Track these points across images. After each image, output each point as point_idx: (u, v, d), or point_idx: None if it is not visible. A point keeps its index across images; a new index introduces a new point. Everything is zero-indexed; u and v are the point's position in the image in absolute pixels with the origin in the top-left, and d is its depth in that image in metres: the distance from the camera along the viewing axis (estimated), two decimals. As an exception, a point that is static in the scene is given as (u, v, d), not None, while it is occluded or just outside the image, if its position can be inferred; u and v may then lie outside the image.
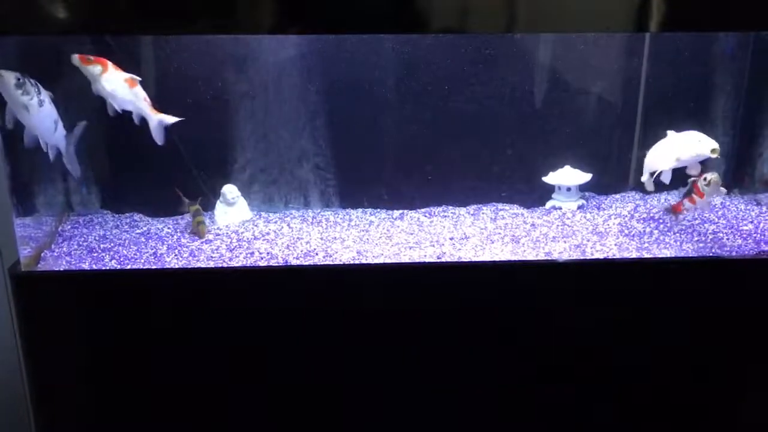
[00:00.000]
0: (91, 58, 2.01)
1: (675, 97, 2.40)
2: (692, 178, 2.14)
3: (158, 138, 2.10)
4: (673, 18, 1.80)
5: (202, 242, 2.16)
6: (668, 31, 2.17)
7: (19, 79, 1.91)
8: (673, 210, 2.25)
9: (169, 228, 2.27)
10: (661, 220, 2.27)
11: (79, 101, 2.18)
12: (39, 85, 1.99)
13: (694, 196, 2.16)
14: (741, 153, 2.48)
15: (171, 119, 2.10)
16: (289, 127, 2.36)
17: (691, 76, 2.40)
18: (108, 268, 2.02)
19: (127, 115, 2.09)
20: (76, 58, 2.01)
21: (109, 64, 2.03)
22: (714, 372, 2.09)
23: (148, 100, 2.09)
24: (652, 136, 2.41)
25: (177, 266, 2.03)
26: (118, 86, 2.04)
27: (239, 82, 2.29)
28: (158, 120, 2.09)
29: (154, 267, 2.03)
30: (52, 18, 1.70)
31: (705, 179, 2.10)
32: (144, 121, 2.11)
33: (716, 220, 2.26)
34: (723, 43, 2.38)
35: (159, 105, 2.21)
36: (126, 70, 2.10)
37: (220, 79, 2.28)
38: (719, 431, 2.17)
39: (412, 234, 2.23)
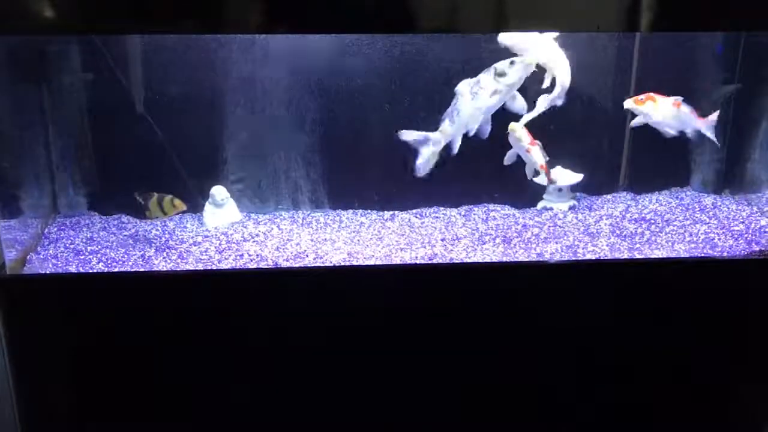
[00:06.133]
0: (642, 98, 2.20)
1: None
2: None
3: (716, 138, 2.25)
4: (665, 18, 1.80)
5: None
6: (660, 31, 2.18)
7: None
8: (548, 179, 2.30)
9: (157, 230, 2.25)
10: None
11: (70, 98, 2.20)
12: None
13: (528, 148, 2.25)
14: (732, 154, 2.48)
15: (715, 116, 2.22)
16: (279, 127, 2.34)
17: (683, 76, 2.40)
18: (95, 270, 2.00)
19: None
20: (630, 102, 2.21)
21: (655, 95, 2.21)
22: (708, 372, 2.09)
23: (694, 112, 2.22)
24: (642, 135, 2.41)
25: (165, 269, 2.01)
26: (669, 112, 2.20)
27: (228, 83, 2.28)
28: (708, 123, 2.22)
29: (142, 270, 2.00)
30: (40, 18, 1.68)
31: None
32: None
33: (707, 220, 2.26)
34: (714, 43, 2.38)
35: (148, 105, 2.21)
36: (114, 70, 2.10)
37: (209, 79, 2.26)
38: (715, 429, 2.17)
39: (403, 235, 2.22)
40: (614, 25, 1.87)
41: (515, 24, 1.81)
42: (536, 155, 2.22)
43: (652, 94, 2.22)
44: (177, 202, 2.19)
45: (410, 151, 2.14)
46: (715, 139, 2.27)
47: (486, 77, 2.03)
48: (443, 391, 2.07)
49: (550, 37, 2.11)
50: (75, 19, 1.72)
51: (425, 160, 2.13)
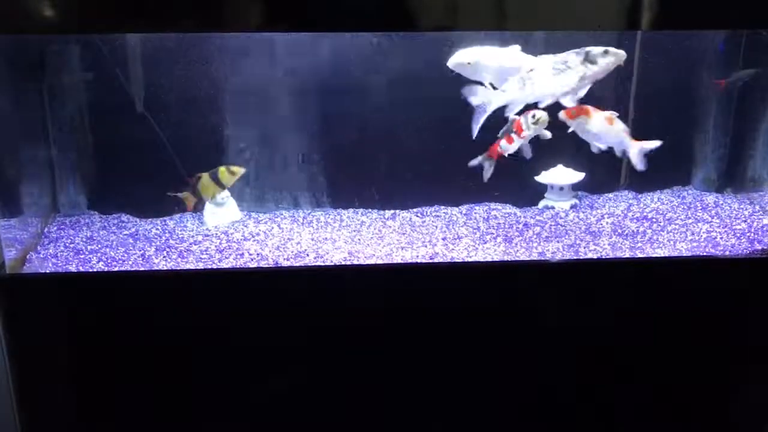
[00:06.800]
0: (574, 111, 2.14)
1: (667, 96, 2.40)
2: (513, 116, 2.14)
3: (640, 164, 2.18)
4: (666, 16, 1.79)
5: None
6: (661, 30, 2.17)
7: None
8: (490, 154, 2.23)
9: (157, 229, 2.24)
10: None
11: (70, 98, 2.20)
12: None
13: (512, 134, 2.20)
14: (733, 152, 2.47)
15: (652, 144, 2.17)
16: (280, 126, 2.34)
17: (684, 74, 2.39)
18: (95, 270, 1.99)
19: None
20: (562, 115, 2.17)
21: (590, 108, 2.14)
22: (708, 372, 2.09)
23: (627, 132, 2.18)
24: (643, 134, 2.41)
25: (165, 268, 2.00)
26: (602, 127, 2.16)
27: (229, 81, 2.27)
28: (639, 147, 2.16)
29: (142, 269, 2.00)
30: (39, 17, 1.67)
31: (533, 116, 2.13)
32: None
33: (709, 219, 2.26)
34: (716, 41, 2.37)
35: (149, 103, 2.21)
36: (114, 69, 2.11)
37: (209, 78, 2.25)
38: (716, 430, 2.17)
39: (404, 234, 2.21)
40: (615, 24, 1.86)
41: (515, 23, 1.81)
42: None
43: (587, 107, 2.16)
44: (234, 168, 2.16)
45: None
46: (639, 166, 2.20)
47: (574, 59, 1.98)
48: (444, 390, 2.06)
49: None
50: (75, 19, 1.71)
51: (479, 117, 2.07)
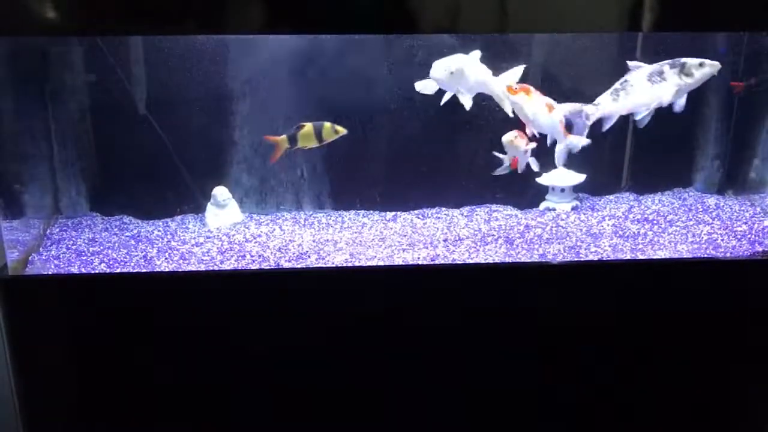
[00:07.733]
0: (517, 87, 2.11)
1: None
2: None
3: (561, 160, 2.20)
4: (668, 17, 1.79)
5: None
6: (662, 31, 2.17)
7: None
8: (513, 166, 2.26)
9: (159, 231, 2.25)
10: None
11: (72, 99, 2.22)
12: None
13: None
14: (734, 154, 2.47)
15: (582, 142, 2.17)
16: (281, 127, 2.34)
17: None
18: (97, 271, 2.00)
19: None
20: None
21: (532, 89, 2.12)
22: (708, 372, 2.09)
23: (563, 122, 2.16)
24: (645, 137, 2.41)
25: (167, 270, 2.01)
26: (539, 111, 2.13)
27: (230, 83, 2.28)
28: (568, 142, 2.18)
29: (144, 270, 2.01)
30: (40, 19, 1.68)
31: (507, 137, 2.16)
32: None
33: (710, 221, 2.26)
34: (716, 43, 2.37)
35: (151, 105, 2.21)
36: (117, 70, 2.12)
37: (211, 79, 2.26)
38: (716, 430, 2.16)
39: (405, 236, 2.21)
40: (615, 25, 1.87)
41: (516, 24, 1.81)
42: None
43: (529, 86, 2.13)
44: (339, 127, 2.16)
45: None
46: (560, 161, 2.20)
47: (670, 71, 2.03)
48: (445, 391, 2.07)
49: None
50: (75, 20, 1.72)
51: (579, 132, 2.15)
